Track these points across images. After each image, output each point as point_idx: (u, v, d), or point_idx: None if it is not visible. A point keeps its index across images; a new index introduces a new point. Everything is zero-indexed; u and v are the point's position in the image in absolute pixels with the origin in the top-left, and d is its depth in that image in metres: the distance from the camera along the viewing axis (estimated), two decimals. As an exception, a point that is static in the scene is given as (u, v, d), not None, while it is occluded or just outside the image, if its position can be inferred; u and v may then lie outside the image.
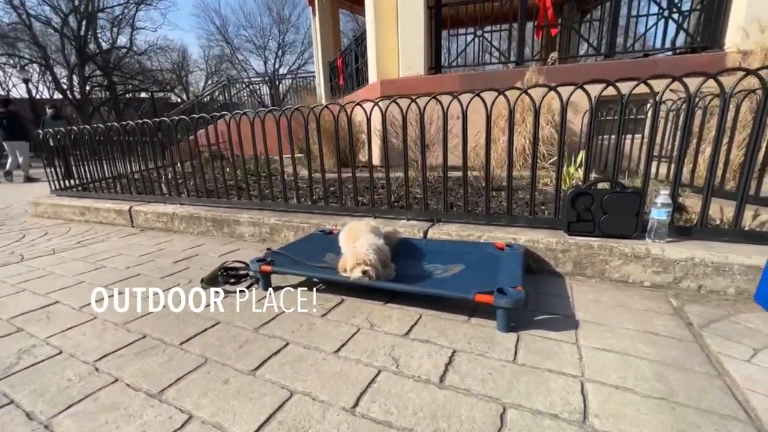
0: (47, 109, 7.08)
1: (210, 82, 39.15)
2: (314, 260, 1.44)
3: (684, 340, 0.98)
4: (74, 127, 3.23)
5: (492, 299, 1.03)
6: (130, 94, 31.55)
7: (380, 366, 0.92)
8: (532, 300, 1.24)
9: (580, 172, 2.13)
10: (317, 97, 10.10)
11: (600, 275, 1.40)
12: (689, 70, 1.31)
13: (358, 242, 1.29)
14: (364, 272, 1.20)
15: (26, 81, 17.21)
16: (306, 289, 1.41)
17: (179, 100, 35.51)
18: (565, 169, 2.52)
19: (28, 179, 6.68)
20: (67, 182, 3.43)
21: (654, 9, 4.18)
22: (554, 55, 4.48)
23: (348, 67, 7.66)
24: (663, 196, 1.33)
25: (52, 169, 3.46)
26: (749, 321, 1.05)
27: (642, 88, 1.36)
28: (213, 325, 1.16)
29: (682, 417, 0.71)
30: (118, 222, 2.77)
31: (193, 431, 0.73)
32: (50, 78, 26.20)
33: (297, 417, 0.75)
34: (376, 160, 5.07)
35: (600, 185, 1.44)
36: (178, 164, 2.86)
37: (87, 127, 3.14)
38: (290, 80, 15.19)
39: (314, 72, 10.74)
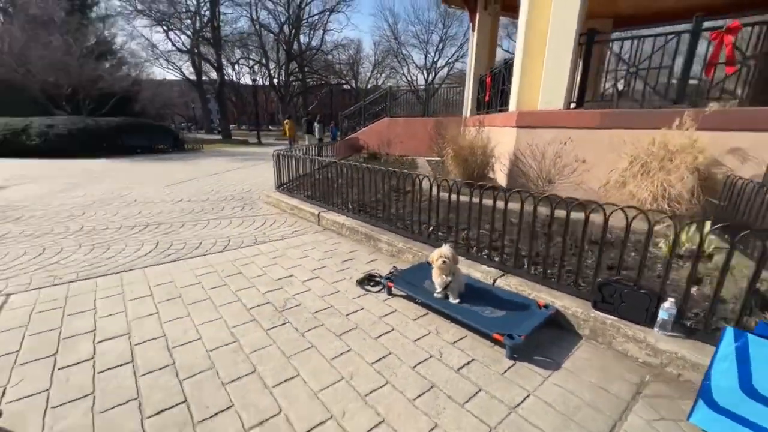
0: (305, 116, 10.89)
1: (375, 71, 43.83)
2: (417, 284, 2.45)
3: (619, 398, 1.59)
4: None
5: (502, 339, 1.84)
6: (314, 82, 38.36)
7: (433, 354, 1.87)
8: (542, 346, 1.94)
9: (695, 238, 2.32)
10: (463, 109, 10.86)
11: (608, 344, 1.96)
12: None
13: (441, 248, 2.24)
14: (444, 261, 2.15)
15: (254, 80, 23.40)
16: (410, 301, 2.44)
17: (349, 87, 41.39)
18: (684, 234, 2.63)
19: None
20: (282, 181, 5.40)
21: None
22: (732, 102, 4.15)
23: (495, 87, 8.12)
24: (669, 302, 1.79)
25: (276, 172, 5.47)
26: (684, 404, 1.54)
27: None
28: (359, 310, 2.31)
29: (567, 424, 1.43)
30: (311, 220, 4.39)
31: (349, 355, 1.85)
32: (266, 73, 33.76)
33: (386, 364, 1.78)
34: (503, 182, 5.71)
35: (624, 281, 1.96)
36: (346, 174, 4.26)
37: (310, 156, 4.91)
38: (442, 88, 16.14)
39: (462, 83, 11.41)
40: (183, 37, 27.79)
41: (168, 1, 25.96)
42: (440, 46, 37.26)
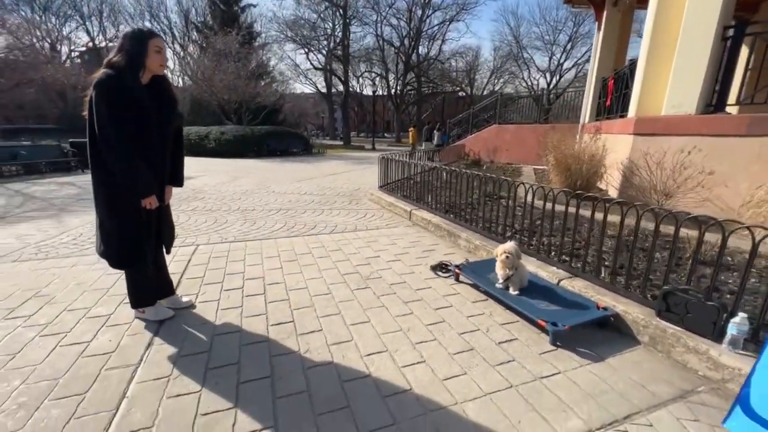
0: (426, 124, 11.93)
1: (493, 77, 42.72)
2: (482, 274, 2.73)
3: (656, 395, 1.64)
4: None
5: (545, 325, 2.03)
6: (429, 90, 39.51)
7: (480, 328, 2.17)
8: (592, 343, 2.03)
9: None
10: (582, 115, 10.08)
11: (666, 353, 1.94)
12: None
13: (505, 244, 2.50)
14: (507, 256, 2.41)
15: (374, 91, 25.64)
16: (474, 289, 2.74)
17: (465, 94, 41.30)
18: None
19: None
20: (385, 182, 6.12)
21: None
22: None
23: (617, 90, 7.48)
24: (740, 317, 1.72)
25: (380, 173, 6.24)
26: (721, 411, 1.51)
27: None
28: (427, 288, 2.73)
29: (586, 400, 1.60)
30: (403, 216, 4.96)
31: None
32: (385, 84, 36.23)
33: (438, 328, 2.17)
34: (614, 193, 5.39)
35: (691, 291, 1.91)
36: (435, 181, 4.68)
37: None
38: (565, 92, 15.04)
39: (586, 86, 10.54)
40: (319, 56, 32.26)
41: (310, 27, 30.54)
42: (568, 46, 34.23)
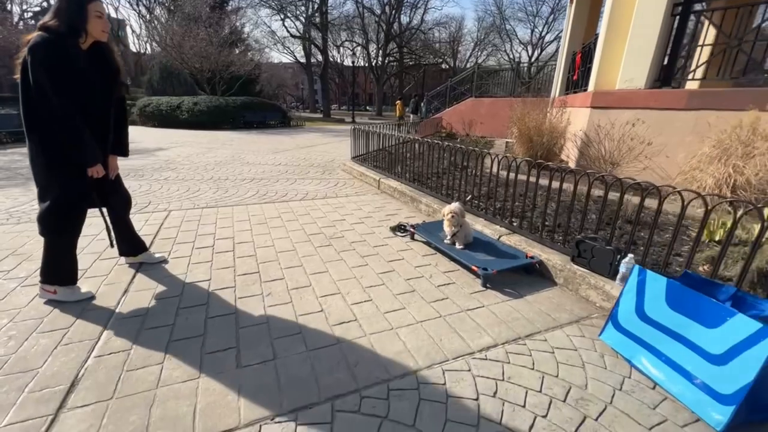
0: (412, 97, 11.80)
1: (476, 49, 42.25)
2: (434, 233, 3.04)
3: (556, 320, 2.01)
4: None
5: (478, 270, 2.36)
6: (412, 62, 38.79)
7: (424, 275, 2.49)
8: (518, 285, 2.39)
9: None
10: (552, 89, 10.34)
11: (575, 291, 2.31)
12: None
13: (450, 205, 2.81)
14: (452, 216, 2.72)
15: (353, 62, 25.03)
16: (428, 246, 3.05)
17: (447, 66, 40.81)
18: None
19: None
20: (357, 153, 6.30)
21: None
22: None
23: (583, 65, 7.72)
24: (629, 257, 2.08)
25: (352, 144, 6.40)
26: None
27: None
28: (384, 245, 3.02)
29: (498, 323, 1.95)
30: (373, 185, 5.20)
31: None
32: (365, 54, 35.30)
33: (388, 276, 2.48)
34: (572, 164, 5.70)
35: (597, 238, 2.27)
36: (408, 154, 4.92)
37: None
38: (544, 66, 15.21)
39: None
40: (297, 23, 30.93)
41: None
42: (550, 18, 34.01)
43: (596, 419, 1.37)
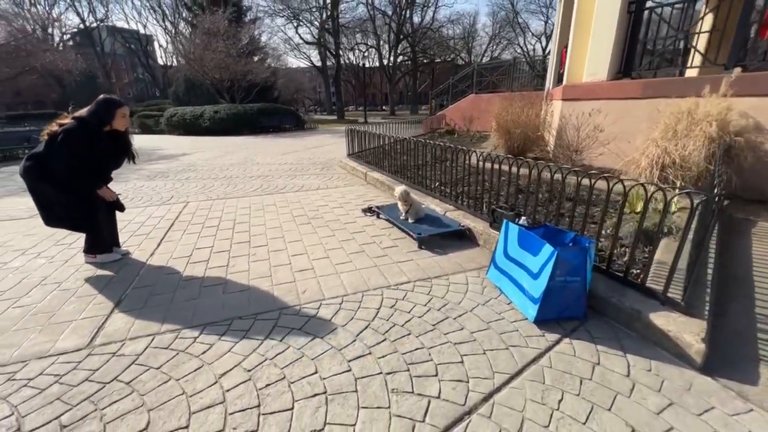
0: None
1: (491, 44, 42.19)
2: (394, 212, 3.72)
3: (463, 268, 2.66)
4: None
5: (414, 235, 3.04)
6: (425, 60, 39.19)
7: (375, 242, 3.18)
8: (448, 247, 3.03)
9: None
10: (546, 82, 10.70)
11: (490, 249, 2.94)
12: None
13: (398, 188, 3.49)
14: (399, 196, 3.41)
15: (362, 64, 25.82)
16: (390, 224, 3.74)
17: (463, 62, 40.96)
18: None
19: None
20: (352, 151, 7.03)
21: None
22: None
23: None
24: (522, 219, 2.70)
25: (347, 143, 7.14)
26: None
27: None
28: (353, 222, 3.73)
29: (416, 269, 2.63)
30: (361, 177, 5.92)
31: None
32: (377, 55, 35.93)
33: (348, 243, 3.19)
34: (551, 153, 6.07)
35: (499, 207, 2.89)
36: (394, 151, 5.60)
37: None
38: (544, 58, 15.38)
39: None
40: (312, 28, 32.12)
41: (300, -1, 30.27)
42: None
43: (455, 318, 2.03)
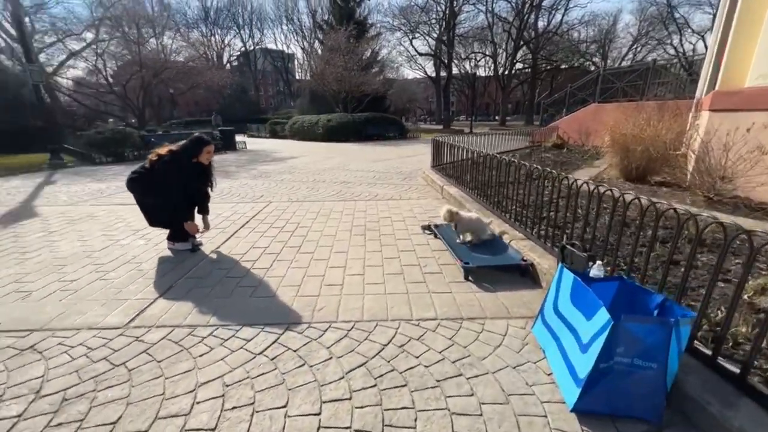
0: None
1: (636, 46, 36.51)
2: (451, 233, 3.36)
3: (510, 312, 2.18)
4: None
5: (461, 263, 2.65)
6: (549, 66, 36.03)
7: (420, 263, 2.90)
8: (500, 282, 2.56)
9: None
10: (697, 90, 8.65)
11: (553, 294, 2.35)
12: None
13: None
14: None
15: (474, 72, 25.03)
16: (443, 242, 3.39)
17: (595, 67, 36.38)
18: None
19: None
20: (436, 162, 6.76)
21: None
22: None
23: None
24: (597, 264, 2.07)
25: (432, 154, 6.90)
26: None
27: None
28: (407, 239, 3.50)
29: (452, 306, 2.26)
30: (438, 190, 5.62)
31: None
32: (491, 64, 34.57)
33: (391, 259, 2.98)
34: (684, 181, 4.94)
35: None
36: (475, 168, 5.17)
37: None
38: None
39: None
40: (429, 39, 32.77)
41: (420, 10, 31.18)
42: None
43: (468, 378, 1.64)
